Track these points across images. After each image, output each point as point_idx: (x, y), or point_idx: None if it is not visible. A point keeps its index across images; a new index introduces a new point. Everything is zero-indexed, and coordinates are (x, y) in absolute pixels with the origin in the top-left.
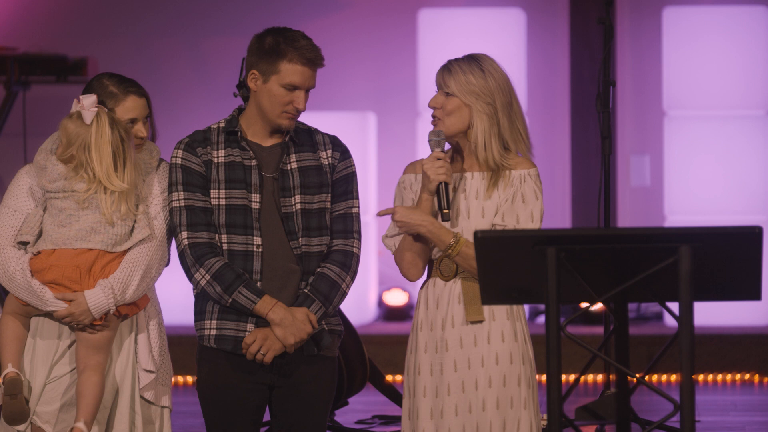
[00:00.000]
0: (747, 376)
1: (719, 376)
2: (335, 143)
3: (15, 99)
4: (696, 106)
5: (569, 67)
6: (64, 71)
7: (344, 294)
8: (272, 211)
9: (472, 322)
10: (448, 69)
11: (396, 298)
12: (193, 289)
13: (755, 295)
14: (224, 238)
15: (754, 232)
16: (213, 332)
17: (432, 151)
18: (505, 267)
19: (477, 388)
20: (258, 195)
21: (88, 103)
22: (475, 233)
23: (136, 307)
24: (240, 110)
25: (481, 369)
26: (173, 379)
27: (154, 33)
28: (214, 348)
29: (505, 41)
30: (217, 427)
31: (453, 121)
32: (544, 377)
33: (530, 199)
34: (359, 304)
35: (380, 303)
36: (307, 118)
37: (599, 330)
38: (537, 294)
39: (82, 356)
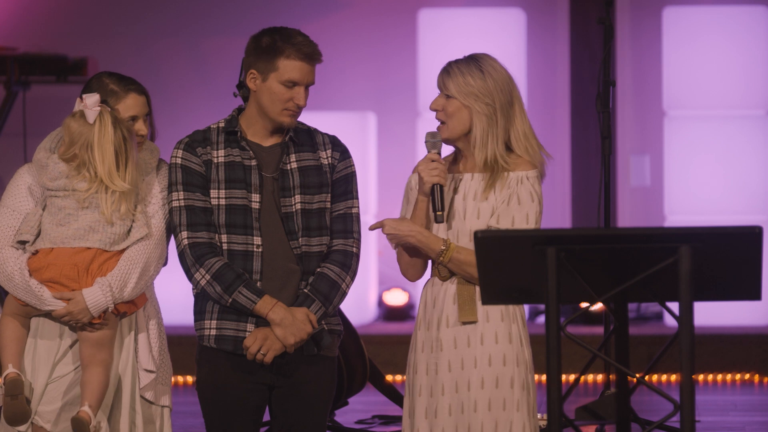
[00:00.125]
0: (747, 376)
1: (719, 376)
2: (335, 143)
3: (15, 99)
4: (696, 106)
5: (569, 67)
6: (64, 71)
7: (344, 294)
8: (272, 211)
9: (465, 323)
10: (447, 71)
11: (396, 298)
12: (193, 289)
13: (755, 295)
14: (224, 238)
15: (754, 232)
16: (213, 332)
17: (428, 152)
18: (505, 267)
19: (469, 388)
20: (258, 195)
21: (91, 102)
22: (475, 233)
23: (134, 305)
24: (240, 110)
25: (473, 370)
26: (173, 379)
27: (154, 33)
28: (214, 348)
29: (505, 41)
30: (217, 427)
31: (454, 124)
32: (544, 377)
33: (526, 201)
34: (359, 304)
35: (380, 303)
36: (307, 118)
37: (599, 330)
38: (537, 294)
39: (86, 354)
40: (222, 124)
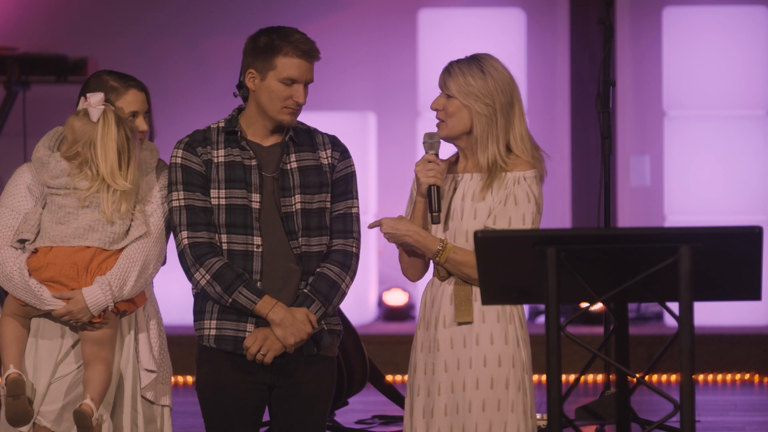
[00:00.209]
0: (747, 376)
1: (719, 376)
2: (335, 143)
3: (15, 99)
4: (696, 106)
5: (569, 67)
6: (64, 71)
7: (344, 294)
8: (272, 210)
9: (461, 323)
10: (448, 71)
11: (396, 298)
12: (192, 289)
13: (755, 295)
14: (224, 237)
15: (754, 232)
16: (213, 332)
17: (426, 153)
18: (505, 267)
19: (465, 389)
20: (258, 195)
21: (95, 101)
22: (475, 233)
23: (134, 304)
24: (239, 110)
25: (469, 370)
26: (173, 379)
27: (154, 33)
28: (213, 348)
29: (505, 41)
30: (216, 427)
31: (454, 123)
32: (544, 377)
33: (522, 202)
34: (359, 304)
35: (380, 303)
36: (307, 118)
37: (599, 330)
38: (537, 294)
39: (88, 353)
40: (222, 124)
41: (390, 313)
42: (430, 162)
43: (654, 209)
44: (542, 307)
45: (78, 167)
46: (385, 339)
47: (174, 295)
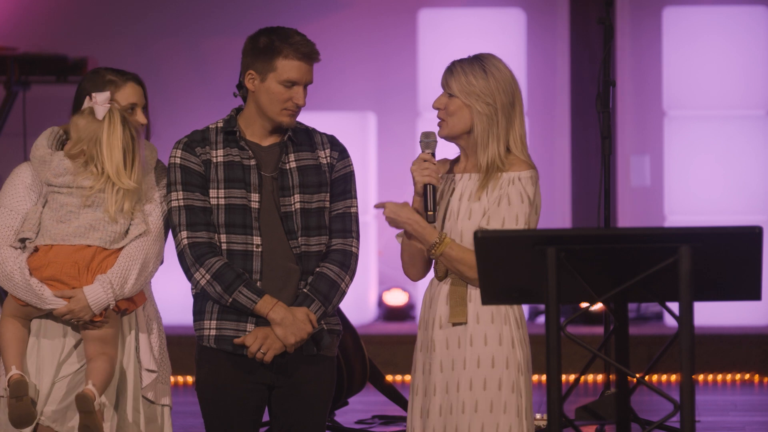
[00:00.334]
0: (747, 376)
1: (719, 376)
2: (333, 143)
3: (15, 99)
4: (696, 106)
5: (569, 67)
6: (64, 71)
7: (343, 294)
8: (271, 210)
9: (455, 324)
10: (451, 70)
11: (396, 298)
12: (192, 289)
13: (755, 295)
14: (223, 237)
15: (754, 232)
16: (213, 332)
17: (422, 152)
18: (505, 267)
19: (458, 389)
20: (257, 194)
21: (101, 99)
22: (475, 233)
23: (134, 303)
24: (238, 110)
25: (463, 371)
26: (173, 379)
27: (154, 33)
28: (213, 348)
29: (505, 41)
30: (216, 427)
31: (455, 122)
32: (544, 377)
33: (515, 202)
34: (359, 304)
35: (380, 303)
36: (307, 118)
37: (599, 330)
38: (537, 294)
39: (92, 350)
40: (221, 124)
41: (390, 313)
42: (425, 161)
43: (654, 209)
44: (542, 307)
45: (83, 165)
46: (385, 339)
47: (173, 295)
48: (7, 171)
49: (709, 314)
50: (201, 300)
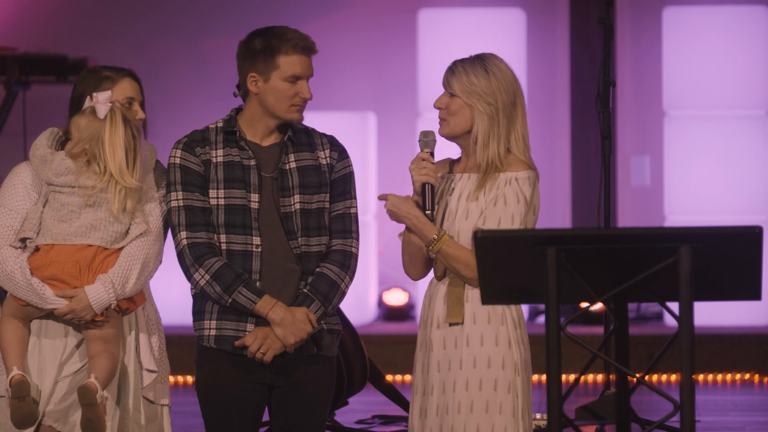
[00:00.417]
0: (747, 376)
1: (719, 376)
2: (333, 143)
3: (15, 99)
4: (696, 106)
5: (569, 67)
6: (64, 71)
7: (343, 294)
8: (271, 210)
9: (452, 324)
10: (452, 70)
11: (396, 298)
12: (192, 290)
13: (755, 295)
14: (223, 238)
15: (754, 232)
16: (213, 332)
17: (420, 151)
18: (505, 267)
19: (455, 390)
20: (257, 195)
21: (103, 98)
22: (475, 233)
23: (134, 303)
24: (238, 110)
25: (459, 372)
26: (172, 379)
27: (154, 33)
28: (213, 348)
29: (505, 41)
30: (216, 427)
31: (456, 122)
32: (544, 377)
33: (511, 202)
34: (359, 304)
35: (380, 303)
36: (307, 118)
37: (599, 330)
38: (537, 294)
39: (94, 349)
40: (220, 124)
41: (390, 313)
42: (423, 160)
43: (654, 209)
44: (542, 307)
45: (85, 164)
46: (385, 339)
47: (173, 296)
48: (7, 171)
49: (709, 314)
50: (200, 300)
